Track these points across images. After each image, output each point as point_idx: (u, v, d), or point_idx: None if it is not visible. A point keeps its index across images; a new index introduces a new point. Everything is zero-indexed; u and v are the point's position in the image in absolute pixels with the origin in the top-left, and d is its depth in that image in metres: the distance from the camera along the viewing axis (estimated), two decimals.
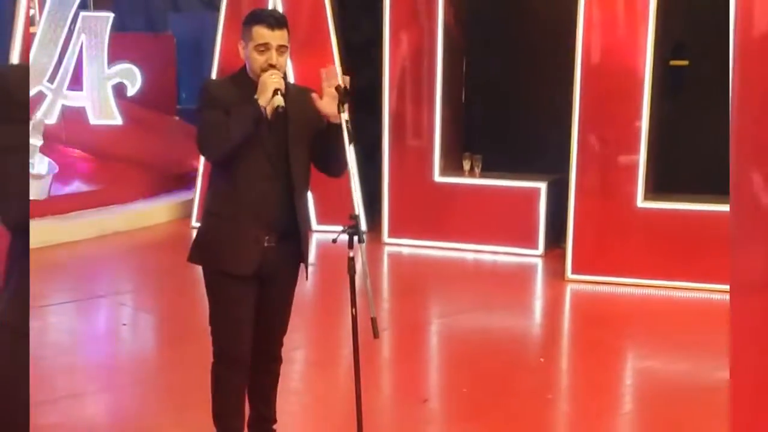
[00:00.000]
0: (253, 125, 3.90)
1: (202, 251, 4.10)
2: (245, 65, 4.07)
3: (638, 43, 7.97)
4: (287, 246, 4.09)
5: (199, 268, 4.17)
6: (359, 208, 4.03)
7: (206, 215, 4.15)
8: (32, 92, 10.01)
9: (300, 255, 4.16)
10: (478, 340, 6.76)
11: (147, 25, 15.79)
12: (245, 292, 4.07)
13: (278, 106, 3.89)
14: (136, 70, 11.21)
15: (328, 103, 3.97)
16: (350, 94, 3.98)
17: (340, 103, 3.96)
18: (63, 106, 10.70)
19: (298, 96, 4.08)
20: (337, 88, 3.96)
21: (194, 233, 4.21)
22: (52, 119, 10.43)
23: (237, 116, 3.88)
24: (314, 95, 4.04)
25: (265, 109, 3.90)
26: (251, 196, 3.99)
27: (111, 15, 11.14)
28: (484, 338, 6.80)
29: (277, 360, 4.36)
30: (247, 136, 3.89)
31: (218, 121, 3.87)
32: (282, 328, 4.29)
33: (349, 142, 3.99)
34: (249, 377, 4.23)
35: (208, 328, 4.17)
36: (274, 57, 3.96)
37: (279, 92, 3.90)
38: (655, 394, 5.69)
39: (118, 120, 11.08)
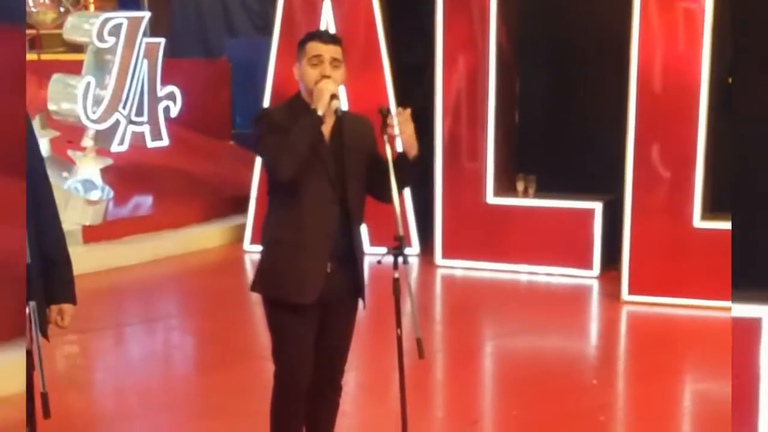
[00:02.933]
0: (316, 133, 3.86)
1: (265, 280, 4.05)
2: (299, 91, 4.04)
3: (694, 60, 7.86)
4: (345, 273, 4.06)
5: (253, 294, 4.14)
6: (403, 229, 3.96)
7: (269, 243, 4.07)
8: (110, 121, 10.15)
9: (357, 283, 4.12)
10: (531, 362, 6.67)
11: (203, 50, 15.94)
12: (307, 322, 4.03)
13: (337, 109, 3.86)
14: (177, 92, 11.27)
15: (409, 146, 3.95)
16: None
17: (383, 126, 3.94)
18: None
19: (354, 124, 4.05)
20: (379, 110, 3.94)
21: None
22: (124, 146, 10.53)
23: (298, 129, 3.83)
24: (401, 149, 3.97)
25: (322, 118, 3.85)
26: (315, 223, 3.95)
27: (163, 40, 11.23)
28: (537, 360, 6.72)
29: (338, 389, 4.30)
30: (312, 144, 3.84)
31: (282, 140, 3.82)
32: (344, 356, 4.24)
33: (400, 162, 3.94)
34: (307, 407, 4.19)
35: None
36: (327, 69, 3.93)
37: (336, 97, 3.87)
38: (712, 417, 5.56)
39: (165, 142, 11.13)
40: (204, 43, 16.17)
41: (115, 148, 10.32)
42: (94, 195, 9.64)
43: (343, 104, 4.02)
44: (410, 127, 3.95)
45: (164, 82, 11.16)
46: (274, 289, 4.01)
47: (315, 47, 3.95)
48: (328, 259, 3.99)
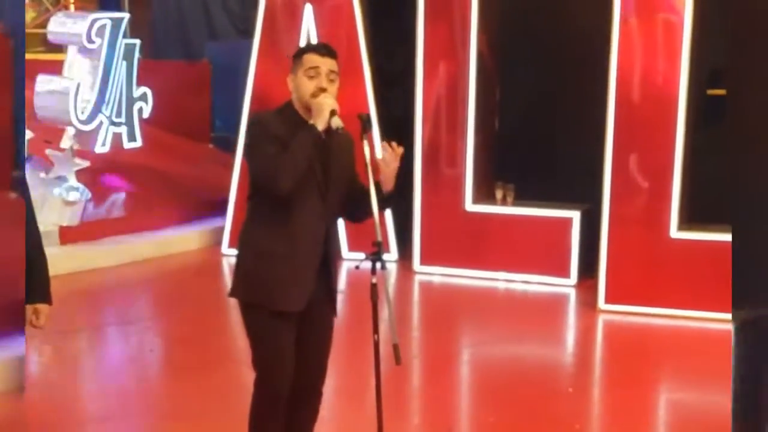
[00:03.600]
0: (314, 149, 3.85)
1: (250, 287, 4.00)
2: (289, 100, 4.01)
3: (673, 70, 7.91)
4: (323, 280, 4.06)
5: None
6: (382, 235, 3.96)
7: (254, 251, 4.01)
8: (95, 123, 10.11)
9: (332, 290, 4.13)
10: (508, 369, 6.69)
11: (184, 53, 15.90)
12: (289, 328, 4.01)
13: (338, 128, 3.85)
14: (149, 93, 11.24)
15: (387, 180, 3.98)
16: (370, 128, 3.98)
17: (363, 132, 3.94)
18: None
19: (339, 139, 4.02)
20: (358, 115, 3.95)
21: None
22: (106, 148, 10.51)
23: (298, 144, 3.81)
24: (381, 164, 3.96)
25: (322, 132, 3.85)
26: (305, 233, 3.94)
27: (138, 41, 11.20)
28: (514, 368, 6.73)
29: (319, 396, 4.29)
30: (309, 160, 3.84)
31: (278, 153, 3.79)
32: (324, 362, 4.23)
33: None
34: (286, 413, 4.16)
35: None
36: (324, 81, 3.92)
37: (335, 113, 3.86)
38: (685, 427, 5.59)
39: (139, 143, 11.10)
40: (184, 46, 16.12)
41: (98, 149, 10.29)
42: (72, 196, 9.61)
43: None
44: (396, 166, 3.97)
45: (144, 84, 11.13)
46: (261, 296, 3.97)
47: (312, 59, 3.95)
48: (315, 267, 3.99)
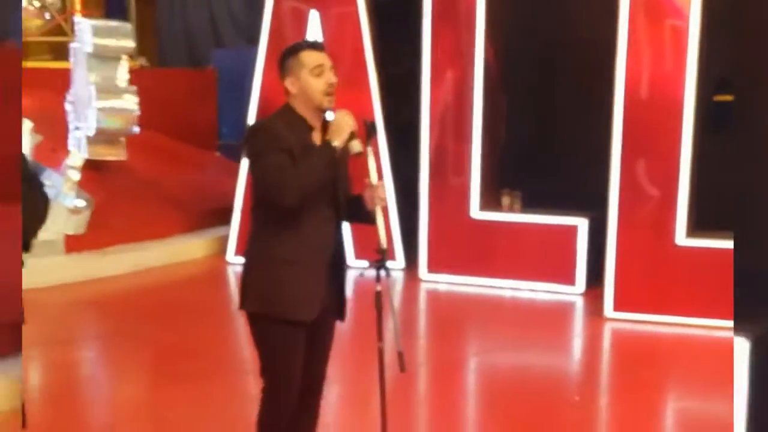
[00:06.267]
0: (330, 169, 3.81)
1: (262, 300, 3.92)
2: (287, 104, 3.94)
3: (679, 77, 7.86)
4: (332, 288, 4.03)
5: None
6: (387, 243, 3.95)
7: (264, 261, 3.93)
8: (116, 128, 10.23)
9: (342, 297, 4.09)
10: (514, 377, 6.66)
11: (190, 60, 15.92)
12: (301, 338, 3.97)
13: (357, 153, 3.84)
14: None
15: (368, 203, 3.95)
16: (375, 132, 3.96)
17: (368, 138, 3.92)
18: None
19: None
20: (363, 122, 3.92)
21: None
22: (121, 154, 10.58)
23: (311, 162, 3.77)
24: (366, 193, 3.94)
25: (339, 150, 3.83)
26: (317, 241, 3.90)
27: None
28: (520, 376, 6.70)
29: (321, 396, 4.25)
30: (323, 180, 3.80)
31: (287, 164, 3.73)
32: (326, 366, 4.21)
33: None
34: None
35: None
36: (331, 76, 3.88)
37: (355, 136, 3.83)
38: None
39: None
40: (191, 53, 16.15)
41: (110, 155, 10.31)
42: (77, 204, 9.60)
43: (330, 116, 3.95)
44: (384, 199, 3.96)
45: (150, 92, 11.13)
46: (272, 307, 3.90)
47: (315, 57, 3.89)
48: (326, 275, 3.96)
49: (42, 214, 3.45)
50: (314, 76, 3.87)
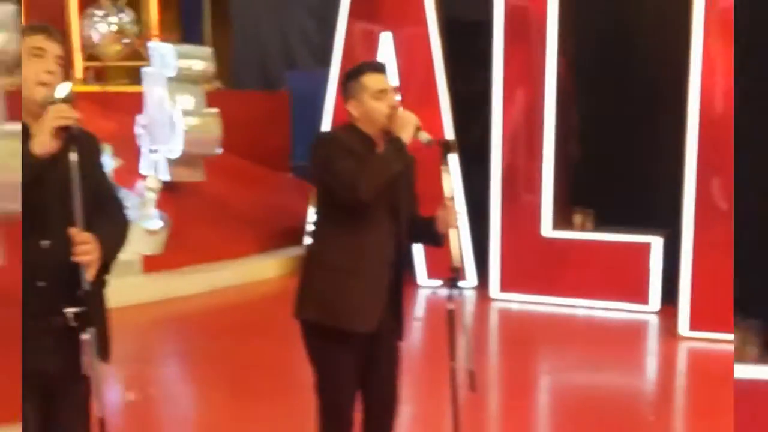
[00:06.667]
0: (401, 162, 3.79)
1: (316, 308, 3.91)
2: (350, 123, 3.95)
3: None
4: (393, 302, 4.02)
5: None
6: (461, 261, 3.96)
7: (323, 270, 3.92)
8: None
9: (401, 313, 4.10)
10: (587, 397, 6.60)
11: (264, 82, 16.10)
12: (355, 352, 3.95)
13: (429, 141, 3.82)
14: None
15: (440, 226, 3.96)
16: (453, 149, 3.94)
17: (443, 157, 3.92)
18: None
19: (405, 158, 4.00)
20: (440, 141, 3.92)
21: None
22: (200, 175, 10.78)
23: (385, 153, 3.78)
24: (439, 214, 3.95)
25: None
26: (376, 251, 3.90)
27: None
28: (594, 396, 6.64)
29: (393, 419, 4.18)
30: (393, 171, 3.77)
31: (360, 165, 3.72)
32: (396, 385, 4.15)
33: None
34: None
35: (309, 384, 4.09)
36: (394, 99, 3.89)
37: (421, 128, 3.82)
38: None
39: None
40: (264, 75, 16.33)
41: (190, 177, 10.49)
42: (154, 225, 9.76)
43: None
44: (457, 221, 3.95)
45: (224, 114, 11.29)
46: (329, 315, 3.88)
47: (376, 80, 3.90)
48: (384, 288, 3.95)
49: (123, 237, 3.53)
50: (376, 99, 3.88)
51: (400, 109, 3.88)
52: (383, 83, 3.91)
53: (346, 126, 3.99)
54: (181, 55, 10.50)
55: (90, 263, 3.19)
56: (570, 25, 9.25)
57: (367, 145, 3.89)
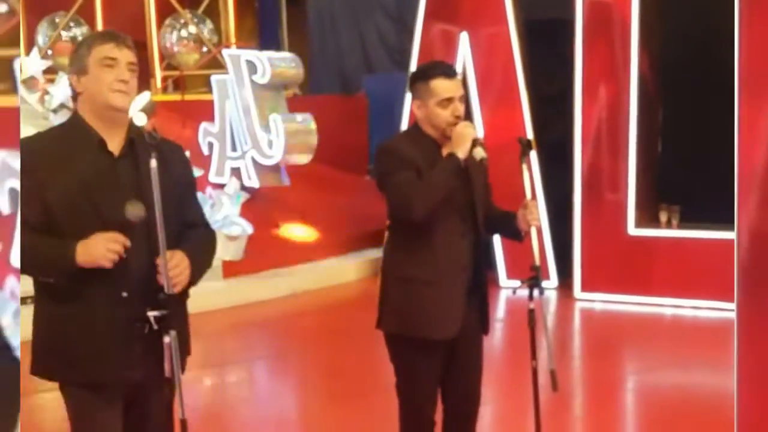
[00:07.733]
0: (456, 179, 3.79)
1: (397, 320, 3.95)
2: (416, 123, 3.95)
3: None
4: (473, 304, 3.99)
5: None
6: (540, 261, 3.90)
7: (399, 281, 3.95)
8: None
9: (485, 312, 4.06)
10: (675, 397, 6.44)
11: (341, 86, 16.13)
12: (437, 358, 3.96)
13: (482, 159, 3.79)
14: None
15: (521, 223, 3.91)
16: (532, 148, 3.94)
17: (522, 155, 3.89)
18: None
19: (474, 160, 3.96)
20: (519, 139, 3.88)
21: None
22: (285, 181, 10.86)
23: (436, 173, 3.76)
24: (519, 212, 3.91)
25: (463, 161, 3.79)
26: (449, 258, 3.87)
27: None
28: (682, 396, 6.48)
29: (475, 419, 4.16)
30: (451, 190, 3.78)
31: (413, 179, 3.74)
32: (479, 386, 4.12)
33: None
34: None
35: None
36: (459, 108, 3.84)
37: (477, 143, 3.79)
38: None
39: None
40: (342, 79, 16.37)
41: (276, 182, 10.54)
42: (235, 231, 9.79)
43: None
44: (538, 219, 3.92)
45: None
46: (409, 326, 3.91)
47: (446, 87, 3.84)
48: (464, 292, 3.91)
49: (212, 255, 3.57)
50: (441, 107, 3.84)
51: (461, 123, 3.83)
52: (452, 90, 3.86)
53: (409, 129, 4.02)
54: (273, 63, 10.57)
55: (178, 284, 3.22)
56: (656, 24, 9.07)
57: (430, 147, 3.88)
